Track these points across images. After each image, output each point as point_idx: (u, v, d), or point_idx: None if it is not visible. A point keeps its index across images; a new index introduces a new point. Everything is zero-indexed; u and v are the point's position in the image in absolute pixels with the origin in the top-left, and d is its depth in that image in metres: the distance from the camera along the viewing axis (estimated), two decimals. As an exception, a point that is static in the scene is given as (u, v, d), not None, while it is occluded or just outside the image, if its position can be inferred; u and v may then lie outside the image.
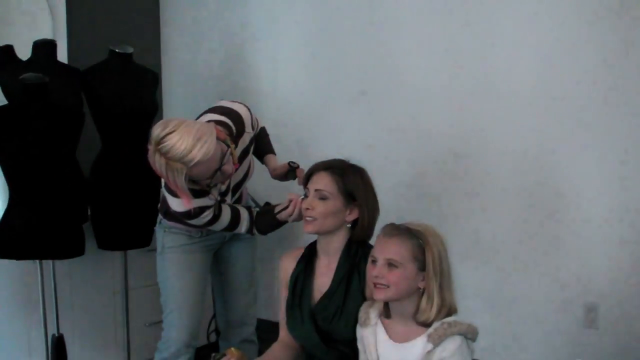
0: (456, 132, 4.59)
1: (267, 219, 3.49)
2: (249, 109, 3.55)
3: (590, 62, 4.17)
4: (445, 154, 4.63)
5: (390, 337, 2.74)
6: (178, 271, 3.65)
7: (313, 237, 3.17)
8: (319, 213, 3.00)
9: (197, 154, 2.98)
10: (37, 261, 4.18)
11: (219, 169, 3.16)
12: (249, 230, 3.52)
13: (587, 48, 4.17)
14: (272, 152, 3.83)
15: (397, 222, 2.82)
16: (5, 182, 4.06)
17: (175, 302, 3.64)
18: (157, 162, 3.01)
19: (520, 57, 4.37)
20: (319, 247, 3.11)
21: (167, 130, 2.98)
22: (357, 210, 3.02)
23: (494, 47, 4.44)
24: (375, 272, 2.70)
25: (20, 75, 3.96)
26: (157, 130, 3.01)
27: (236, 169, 3.36)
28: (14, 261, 4.13)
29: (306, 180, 3.11)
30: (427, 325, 2.68)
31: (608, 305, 4.24)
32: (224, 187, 3.45)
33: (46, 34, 4.55)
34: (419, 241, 2.67)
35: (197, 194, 3.25)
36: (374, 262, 2.73)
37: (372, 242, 3.03)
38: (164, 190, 3.37)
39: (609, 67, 4.12)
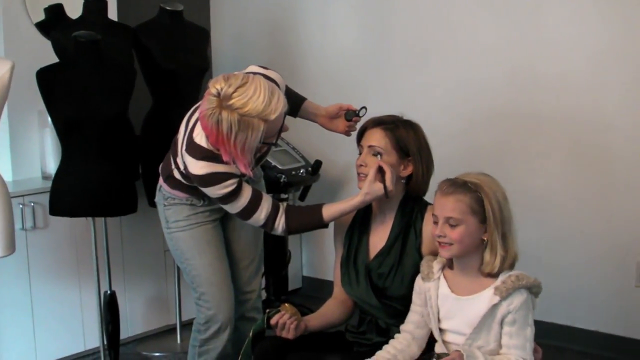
0: (510, 88, 4.55)
1: (305, 215, 3.16)
2: (280, 76, 3.25)
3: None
4: (499, 113, 4.60)
5: (453, 290, 2.72)
6: (194, 250, 3.38)
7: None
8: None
9: (278, 105, 2.81)
10: (90, 218, 4.22)
11: (282, 126, 3.00)
12: (267, 223, 3.11)
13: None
14: (305, 98, 3.51)
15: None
16: (58, 140, 4.09)
17: (203, 283, 3.38)
18: (224, 121, 2.76)
19: (577, 9, 4.30)
20: (373, 203, 3.07)
21: (237, 84, 2.78)
22: (411, 166, 2.98)
23: (549, 1, 4.39)
24: (437, 231, 2.67)
25: (72, 34, 3.95)
26: (220, 85, 2.78)
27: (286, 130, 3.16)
28: (66, 218, 4.17)
29: (359, 137, 3.07)
30: (492, 276, 2.66)
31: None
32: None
33: (96, -8, 4.55)
34: (476, 194, 2.62)
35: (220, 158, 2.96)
36: (435, 222, 2.71)
37: (427, 198, 3.02)
38: (182, 153, 3.10)
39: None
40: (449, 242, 2.65)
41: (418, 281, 2.84)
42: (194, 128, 3.06)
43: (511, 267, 2.67)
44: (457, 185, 2.66)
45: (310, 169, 4.91)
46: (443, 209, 2.66)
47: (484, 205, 2.62)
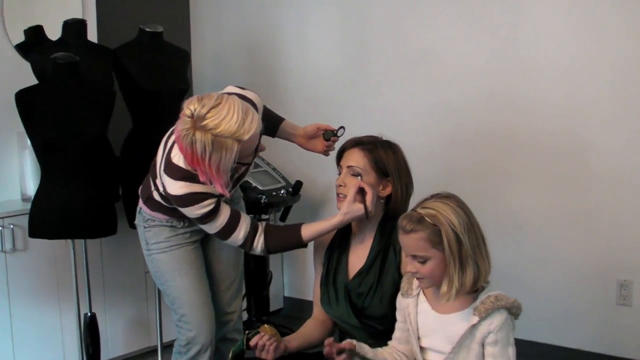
0: (489, 109, 4.57)
1: (284, 234, 3.18)
2: (258, 96, 3.24)
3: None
4: (478, 133, 4.61)
5: (433, 307, 2.71)
6: (175, 271, 3.37)
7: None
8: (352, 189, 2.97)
9: (252, 125, 2.80)
10: (70, 241, 4.20)
11: (257, 146, 3.01)
12: (246, 242, 3.13)
13: (622, 17, 4.14)
14: (283, 119, 3.53)
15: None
16: (37, 161, 4.07)
17: (184, 304, 3.38)
18: (198, 142, 2.75)
19: (554, 32, 4.34)
20: (353, 223, 3.07)
21: (210, 104, 2.76)
22: (390, 186, 2.99)
23: (527, 23, 4.41)
24: (409, 268, 2.67)
25: (51, 55, 3.95)
26: (194, 106, 2.76)
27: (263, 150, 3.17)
28: (46, 240, 4.15)
29: (338, 157, 3.08)
30: (472, 294, 2.63)
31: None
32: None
33: (75, 14, 4.54)
34: (433, 227, 2.57)
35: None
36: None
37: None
38: (160, 173, 3.10)
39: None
40: (422, 277, 2.65)
41: (399, 297, 2.83)
42: (172, 149, 3.06)
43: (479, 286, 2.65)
44: (414, 221, 2.60)
45: (290, 189, 4.90)
46: (407, 247, 2.64)
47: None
